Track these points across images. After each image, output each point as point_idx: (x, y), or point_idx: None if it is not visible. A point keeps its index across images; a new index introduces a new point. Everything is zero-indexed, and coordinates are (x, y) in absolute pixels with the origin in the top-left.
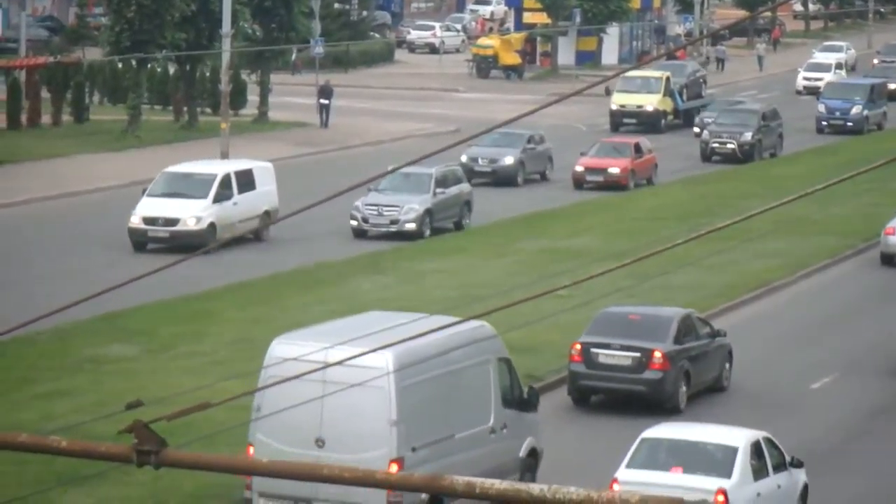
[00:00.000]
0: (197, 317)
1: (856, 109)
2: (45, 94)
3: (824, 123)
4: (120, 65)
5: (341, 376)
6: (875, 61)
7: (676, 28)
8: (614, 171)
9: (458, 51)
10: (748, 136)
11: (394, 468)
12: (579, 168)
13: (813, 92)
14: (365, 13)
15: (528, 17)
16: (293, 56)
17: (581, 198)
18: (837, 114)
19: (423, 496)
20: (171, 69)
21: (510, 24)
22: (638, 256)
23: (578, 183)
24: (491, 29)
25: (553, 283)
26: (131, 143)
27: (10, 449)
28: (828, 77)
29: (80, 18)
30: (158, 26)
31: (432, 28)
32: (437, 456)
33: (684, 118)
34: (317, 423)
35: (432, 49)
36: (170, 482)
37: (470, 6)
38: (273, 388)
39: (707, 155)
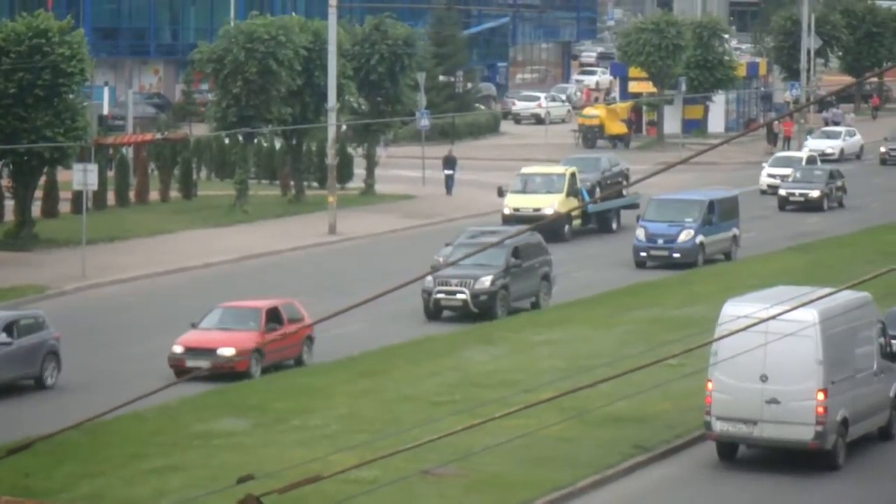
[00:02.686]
0: (307, 391)
1: (685, 235)
2: (152, 170)
3: (643, 254)
4: (227, 140)
5: (779, 328)
6: (882, 149)
7: (783, 95)
8: (226, 352)
9: (563, 121)
10: (486, 282)
11: (820, 396)
12: (177, 349)
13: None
14: (470, 85)
15: (633, 87)
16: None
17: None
18: (660, 241)
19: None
20: (278, 144)
21: (615, 93)
22: (749, 324)
23: (180, 370)
24: (596, 99)
25: (664, 353)
26: (239, 219)
27: None
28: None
29: (187, 95)
30: (265, 101)
31: (538, 99)
32: (845, 389)
33: (598, 222)
34: (761, 364)
35: (538, 120)
36: None
37: (575, 76)
38: (728, 338)
39: (431, 311)
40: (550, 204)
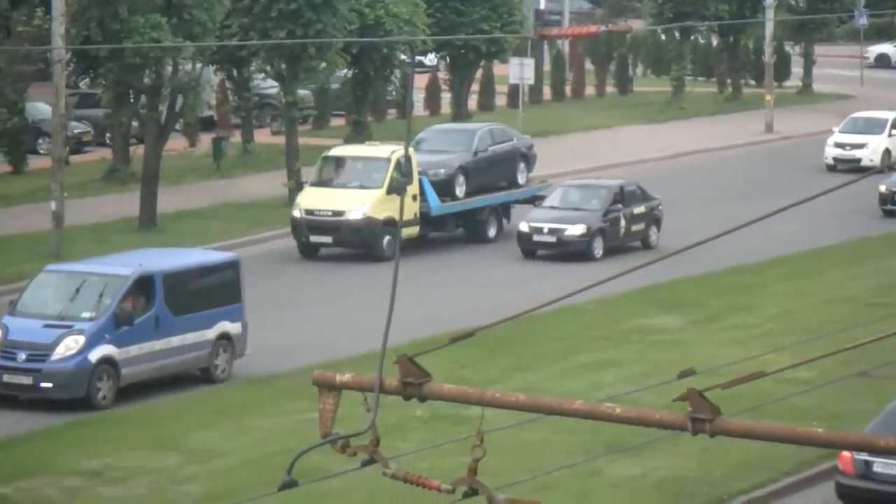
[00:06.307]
0: (742, 289)
1: (66, 347)
2: (588, 66)
3: (5, 377)
4: (663, 36)
5: None
6: None
7: None
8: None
9: None
10: None
11: None
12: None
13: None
14: None
15: None
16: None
17: None
18: (21, 357)
19: None
20: (714, 41)
21: None
22: None
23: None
24: None
25: None
26: (674, 115)
27: (564, 415)
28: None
29: None
30: None
31: None
32: None
33: (466, 226)
34: None
35: None
36: (716, 453)
37: None
38: None
39: None
40: (358, 206)
